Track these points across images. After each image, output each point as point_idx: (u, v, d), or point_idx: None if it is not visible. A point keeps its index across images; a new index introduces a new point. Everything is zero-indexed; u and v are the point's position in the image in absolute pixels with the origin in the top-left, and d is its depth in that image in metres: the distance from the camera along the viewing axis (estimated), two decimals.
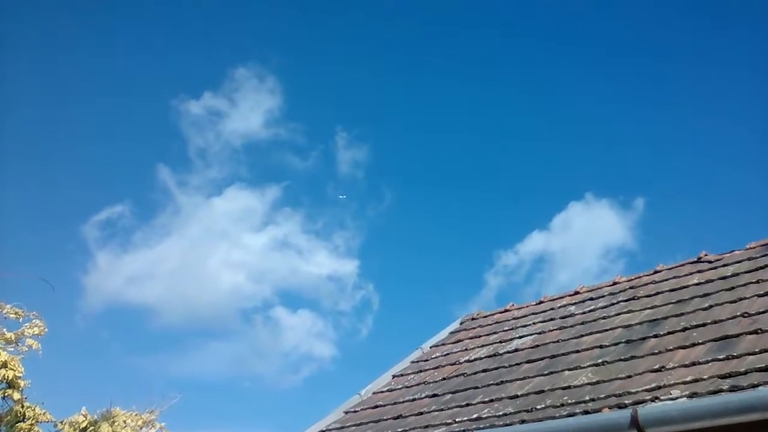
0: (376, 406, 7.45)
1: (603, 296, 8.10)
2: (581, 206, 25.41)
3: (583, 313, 7.79)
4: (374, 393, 7.97)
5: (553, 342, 7.19)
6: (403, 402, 7.23)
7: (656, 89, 24.33)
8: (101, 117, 26.15)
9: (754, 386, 4.37)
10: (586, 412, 4.99)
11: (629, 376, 5.48)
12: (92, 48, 25.65)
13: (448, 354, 8.36)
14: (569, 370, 6.19)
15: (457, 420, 6.01)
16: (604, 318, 7.30)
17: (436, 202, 27.12)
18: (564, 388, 5.78)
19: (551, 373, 6.30)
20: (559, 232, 25.38)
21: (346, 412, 7.68)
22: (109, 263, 26.35)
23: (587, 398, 5.31)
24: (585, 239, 24.94)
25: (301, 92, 28.29)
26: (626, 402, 4.89)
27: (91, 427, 11.28)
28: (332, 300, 27.53)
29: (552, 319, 8.01)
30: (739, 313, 5.88)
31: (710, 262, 7.66)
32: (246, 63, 28.17)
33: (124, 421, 11.56)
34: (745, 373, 4.68)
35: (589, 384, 5.68)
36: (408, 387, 7.71)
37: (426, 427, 6.19)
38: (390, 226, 27.46)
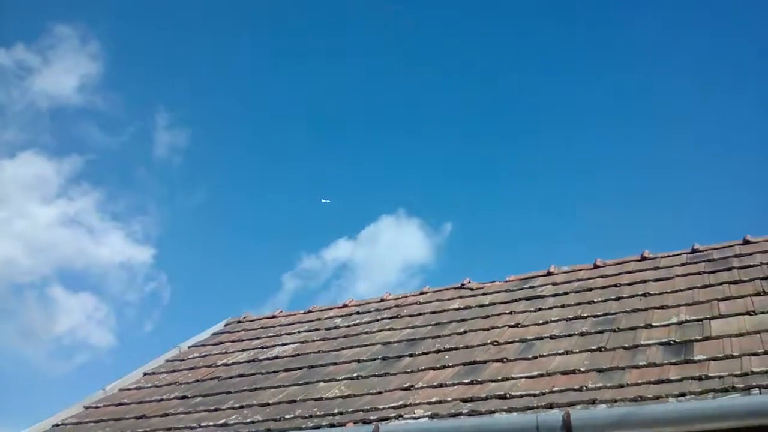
0: (120, 404, 6.98)
1: (369, 312, 8.20)
2: (392, 220, 25.93)
3: (348, 326, 7.83)
4: (121, 389, 7.47)
5: (314, 352, 7.14)
6: (150, 401, 6.83)
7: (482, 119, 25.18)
8: None
9: (491, 412, 4.55)
10: (332, 425, 4.96)
11: (380, 392, 5.53)
12: None
13: (206, 356, 8.05)
14: (324, 381, 6.15)
15: (202, 424, 5.76)
16: (366, 333, 7.37)
17: (250, 200, 26.00)
18: (316, 400, 5.73)
19: (306, 383, 6.23)
20: (365, 243, 25.62)
21: (87, 407, 7.13)
22: None
23: (336, 411, 5.29)
24: (389, 253, 25.45)
25: (126, 63, 25.95)
26: (371, 418, 4.92)
27: None
28: (119, 287, 25.56)
29: (317, 330, 7.97)
30: (489, 341, 6.16)
31: (472, 289, 8.01)
32: (71, 21, 25.49)
33: None
34: (485, 398, 4.87)
35: (340, 397, 5.67)
36: (158, 386, 7.31)
37: (169, 429, 5.88)
38: (197, 218, 25.91)
